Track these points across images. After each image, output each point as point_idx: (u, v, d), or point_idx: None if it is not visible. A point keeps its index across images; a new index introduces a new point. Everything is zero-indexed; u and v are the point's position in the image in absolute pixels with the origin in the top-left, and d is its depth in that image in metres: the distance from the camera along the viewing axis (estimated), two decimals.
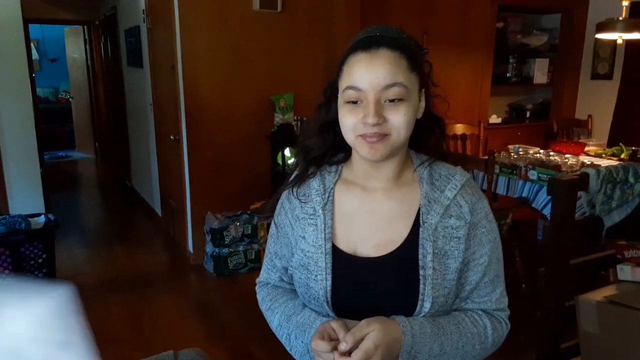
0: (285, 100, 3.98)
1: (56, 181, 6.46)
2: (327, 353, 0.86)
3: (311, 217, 1.00)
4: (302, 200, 1.03)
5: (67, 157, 8.38)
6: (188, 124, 3.81)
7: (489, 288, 0.99)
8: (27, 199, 3.89)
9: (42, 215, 3.54)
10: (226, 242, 3.76)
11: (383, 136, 0.89)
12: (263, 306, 1.13)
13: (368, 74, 0.88)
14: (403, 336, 0.87)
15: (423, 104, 0.97)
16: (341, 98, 0.93)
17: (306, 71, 4.06)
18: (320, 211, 0.99)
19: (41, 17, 6.97)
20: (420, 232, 0.94)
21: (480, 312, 0.99)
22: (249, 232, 3.83)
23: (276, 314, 1.08)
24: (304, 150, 1.05)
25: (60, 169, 7.61)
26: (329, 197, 1.01)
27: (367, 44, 0.90)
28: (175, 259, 4.22)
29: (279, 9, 3.86)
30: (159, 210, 5.02)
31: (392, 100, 0.88)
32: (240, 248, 3.81)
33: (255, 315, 3.59)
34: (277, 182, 4.08)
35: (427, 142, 1.04)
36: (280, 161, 3.93)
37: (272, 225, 1.12)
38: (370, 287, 0.95)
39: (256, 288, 1.17)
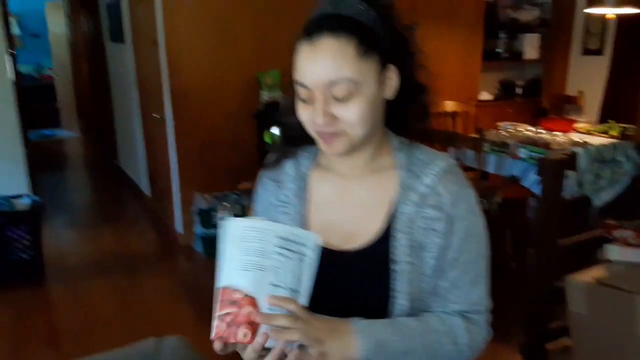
0: (271, 77, 3.89)
1: (42, 161, 6.35)
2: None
3: (284, 205, 0.95)
4: (277, 186, 0.97)
5: (53, 135, 8.25)
6: (172, 101, 3.73)
7: (466, 288, 0.89)
8: (10, 180, 3.80)
9: (25, 197, 3.48)
10: (215, 222, 3.72)
11: (338, 134, 0.82)
12: None
13: (310, 70, 0.80)
14: (352, 323, 0.81)
15: (394, 82, 0.86)
16: (295, 90, 0.86)
17: (293, 47, 3.96)
18: (295, 199, 0.94)
19: None
20: (395, 224, 0.86)
21: (450, 312, 0.90)
22: (239, 212, 3.79)
23: None
24: (284, 128, 0.98)
25: (46, 148, 7.49)
26: (303, 184, 0.95)
27: (310, 31, 0.81)
28: (164, 240, 4.19)
29: None
30: (147, 190, 4.96)
31: (340, 99, 0.80)
32: None
33: None
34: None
35: (406, 121, 0.93)
36: (268, 140, 3.87)
37: (252, 212, 1.08)
38: (338, 280, 0.87)
39: None
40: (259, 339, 0.73)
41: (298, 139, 0.95)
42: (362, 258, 0.88)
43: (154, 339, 1.65)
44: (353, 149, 0.86)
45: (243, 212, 3.79)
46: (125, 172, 5.79)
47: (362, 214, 0.91)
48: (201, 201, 3.75)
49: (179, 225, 4.05)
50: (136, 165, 5.20)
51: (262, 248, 0.72)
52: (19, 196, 3.48)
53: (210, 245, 3.74)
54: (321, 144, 0.86)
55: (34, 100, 7.85)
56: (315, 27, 0.80)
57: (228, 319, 0.73)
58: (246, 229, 0.74)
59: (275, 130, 3.80)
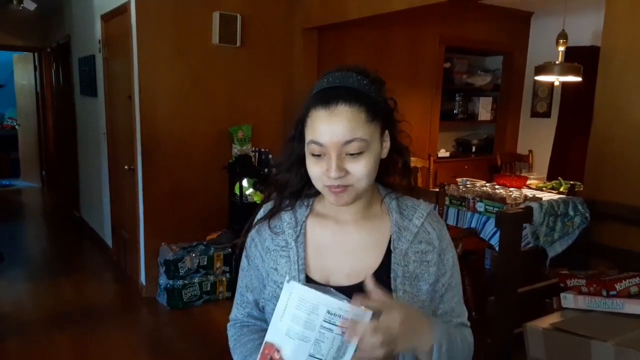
0: (243, 131, 4.03)
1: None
2: None
3: (283, 249, 1.03)
4: (274, 232, 1.06)
5: (11, 185, 8.05)
6: (144, 154, 3.78)
7: (459, 308, 1.08)
8: None
9: None
10: (181, 273, 3.70)
11: (346, 187, 0.95)
12: (230, 346, 1.14)
13: (328, 131, 0.92)
14: (434, 323, 0.93)
15: (387, 144, 1.00)
16: (307, 149, 0.97)
17: (264, 103, 4.14)
18: (293, 243, 1.03)
19: None
20: (392, 258, 0.99)
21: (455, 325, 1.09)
22: (205, 263, 3.80)
23: (236, 354, 1.10)
24: (280, 184, 1.07)
25: (3, 198, 7.28)
26: (300, 229, 1.04)
27: (326, 99, 0.93)
28: (127, 292, 4.11)
29: (238, 43, 3.95)
30: (109, 242, 4.88)
31: (352, 154, 0.93)
32: (196, 280, 3.76)
33: (211, 349, 3.50)
34: (234, 212, 4.08)
35: (392, 177, 1.09)
36: (237, 192, 3.95)
37: (243, 258, 1.13)
38: None
39: (227, 326, 1.18)
40: None
41: (297, 193, 1.07)
42: (363, 292, 0.94)
43: None
44: (356, 199, 0.99)
45: (211, 261, 3.80)
46: (87, 223, 5.69)
47: (360, 254, 1.03)
48: (167, 252, 3.74)
49: (142, 277, 4.00)
50: (99, 216, 5.14)
51: (309, 320, 0.79)
52: None
53: (174, 296, 3.70)
54: (330, 196, 0.97)
55: None
56: (332, 97, 0.93)
57: None
58: (301, 299, 0.80)
59: (245, 183, 3.90)
